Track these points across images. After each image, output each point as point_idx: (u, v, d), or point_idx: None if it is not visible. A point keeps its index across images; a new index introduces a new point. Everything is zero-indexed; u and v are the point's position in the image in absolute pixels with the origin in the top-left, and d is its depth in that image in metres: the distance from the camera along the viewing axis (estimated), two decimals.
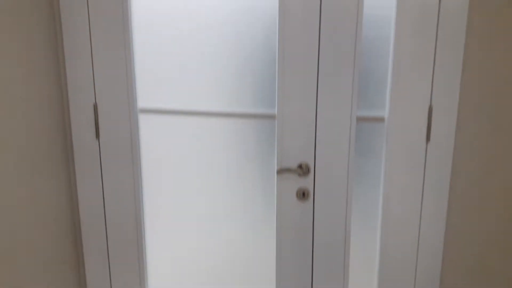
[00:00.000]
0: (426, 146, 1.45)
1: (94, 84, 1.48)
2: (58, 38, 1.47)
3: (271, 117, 1.51)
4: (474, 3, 1.36)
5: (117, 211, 1.59)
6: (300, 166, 1.49)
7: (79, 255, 1.64)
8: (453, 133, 1.42)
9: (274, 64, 1.47)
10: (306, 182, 1.51)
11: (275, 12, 1.43)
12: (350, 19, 1.39)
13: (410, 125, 1.44)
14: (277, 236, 1.57)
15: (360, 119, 1.48)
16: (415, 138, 1.45)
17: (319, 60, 1.42)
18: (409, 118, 1.43)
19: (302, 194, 1.52)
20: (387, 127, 1.46)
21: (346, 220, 1.53)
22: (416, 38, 1.39)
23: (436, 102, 1.41)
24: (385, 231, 1.53)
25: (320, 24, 1.40)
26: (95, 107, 1.49)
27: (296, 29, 1.41)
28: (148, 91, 1.52)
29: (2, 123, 1.21)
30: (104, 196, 1.57)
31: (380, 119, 1.47)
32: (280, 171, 1.49)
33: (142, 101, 1.52)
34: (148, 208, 1.62)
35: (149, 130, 1.55)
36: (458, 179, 1.47)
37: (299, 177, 1.51)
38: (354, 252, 1.60)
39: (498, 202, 1.49)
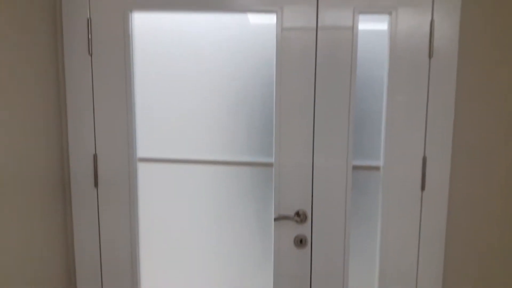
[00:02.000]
0: (421, 194, 1.47)
1: (95, 135, 1.50)
2: (61, 90, 1.49)
3: (268, 165, 1.53)
4: (464, 52, 1.42)
5: (114, 257, 1.58)
6: (297, 214, 1.50)
7: None
8: (447, 182, 1.46)
9: (271, 114, 1.50)
10: (303, 229, 1.52)
11: (272, 63, 1.48)
12: (344, 67, 1.44)
13: (405, 175, 1.47)
14: (274, 282, 1.56)
15: (356, 168, 1.51)
16: (410, 186, 1.48)
17: (315, 109, 1.46)
18: (404, 168, 1.47)
19: (300, 241, 1.52)
20: (382, 176, 1.49)
21: (344, 267, 1.53)
22: (408, 91, 1.44)
23: (430, 153, 1.45)
24: (383, 278, 1.53)
25: (315, 71, 1.45)
26: (95, 158, 1.51)
27: (293, 78, 1.45)
28: (147, 140, 1.55)
29: (2, 171, 1.21)
30: (101, 244, 1.57)
31: (376, 168, 1.50)
32: (278, 219, 1.50)
33: (141, 151, 1.54)
34: (144, 253, 1.61)
35: (146, 177, 1.56)
36: (454, 226, 1.50)
37: (296, 224, 1.52)
38: None
39: (495, 248, 1.51)
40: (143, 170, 1.55)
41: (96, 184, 1.52)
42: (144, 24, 1.51)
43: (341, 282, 1.54)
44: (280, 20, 1.44)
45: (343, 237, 1.51)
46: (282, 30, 1.45)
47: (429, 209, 1.48)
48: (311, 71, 1.45)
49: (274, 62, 1.47)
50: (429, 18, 1.41)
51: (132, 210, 1.54)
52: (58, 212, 1.50)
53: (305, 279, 1.55)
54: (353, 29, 1.43)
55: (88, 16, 1.46)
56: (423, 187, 1.47)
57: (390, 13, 1.43)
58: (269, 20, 1.47)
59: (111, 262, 1.58)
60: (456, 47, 1.41)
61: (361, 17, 1.45)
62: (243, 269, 1.61)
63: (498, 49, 1.42)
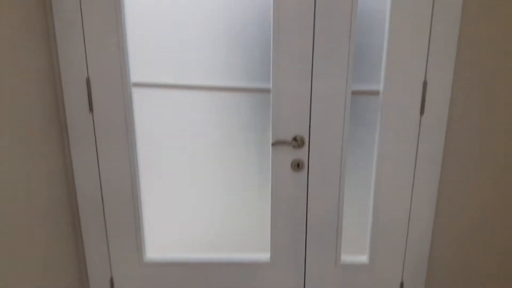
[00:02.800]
0: (420, 118, 1.47)
1: (86, 58, 1.44)
2: (48, 12, 1.41)
3: (266, 91, 1.50)
4: None
5: (113, 183, 1.60)
6: (295, 139, 1.51)
7: (77, 228, 1.66)
8: (447, 107, 1.44)
9: (269, 38, 1.44)
10: (300, 154, 1.53)
11: None
12: None
13: (404, 99, 1.45)
14: (272, 205, 1.60)
15: (355, 93, 1.48)
16: (409, 111, 1.46)
17: (315, 33, 1.40)
18: (404, 92, 1.44)
19: (297, 165, 1.54)
20: (381, 101, 1.47)
21: (339, 189, 1.57)
22: (412, 13, 1.37)
23: (431, 77, 1.42)
24: (378, 200, 1.58)
25: None
26: (88, 82, 1.46)
27: (291, 1, 1.37)
28: (142, 65, 1.50)
29: None
30: (100, 169, 1.58)
31: (375, 93, 1.48)
32: (275, 144, 1.51)
33: (135, 75, 1.50)
34: (144, 180, 1.64)
35: (143, 103, 1.54)
36: (451, 150, 1.51)
37: (294, 149, 1.53)
38: (347, 220, 1.65)
39: (490, 174, 1.53)
40: (138, 95, 1.52)
41: (91, 108, 1.50)
42: None
43: (337, 205, 1.59)
44: None
45: (339, 161, 1.53)
46: None
47: (427, 133, 1.48)
48: None
49: None
50: None
51: (129, 136, 1.53)
52: (54, 139, 1.50)
53: (302, 201, 1.59)
54: None
55: None
56: (422, 112, 1.46)
57: None
58: None
59: (111, 189, 1.60)
60: None
61: None
62: (242, 193, 1.64)
63: None
